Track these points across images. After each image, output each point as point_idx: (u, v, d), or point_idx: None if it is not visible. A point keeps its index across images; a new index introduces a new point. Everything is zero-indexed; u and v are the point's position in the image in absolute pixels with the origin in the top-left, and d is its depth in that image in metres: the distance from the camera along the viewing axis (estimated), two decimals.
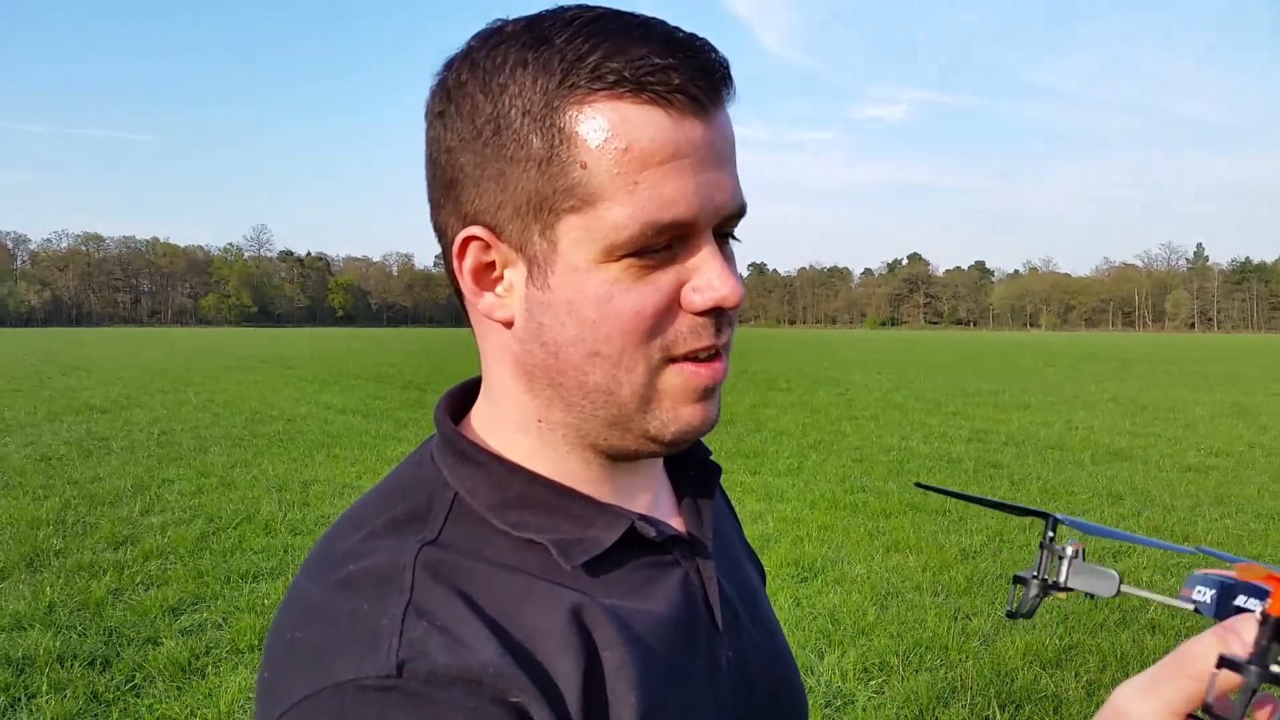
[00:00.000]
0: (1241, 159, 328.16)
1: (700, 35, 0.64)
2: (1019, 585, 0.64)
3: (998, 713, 3.82)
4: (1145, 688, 0.56)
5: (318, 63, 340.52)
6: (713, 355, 0.66)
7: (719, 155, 0.64)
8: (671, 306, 0.63)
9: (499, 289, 0.67)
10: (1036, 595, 0.62)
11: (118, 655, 4.40)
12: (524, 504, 0.67)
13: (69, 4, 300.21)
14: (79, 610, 4.99)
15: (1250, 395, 18.75)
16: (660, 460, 0.77)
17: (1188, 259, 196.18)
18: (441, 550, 0.63)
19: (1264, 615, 0.53)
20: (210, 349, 42.22)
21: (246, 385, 19.88)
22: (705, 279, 0.63)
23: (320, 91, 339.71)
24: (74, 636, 4.59)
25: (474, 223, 0.65)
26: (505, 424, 0.71)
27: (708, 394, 0.67)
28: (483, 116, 0.63)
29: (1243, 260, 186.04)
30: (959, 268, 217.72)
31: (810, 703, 3.85)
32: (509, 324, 0.67)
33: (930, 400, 17.19)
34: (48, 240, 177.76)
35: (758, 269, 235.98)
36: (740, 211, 0.66)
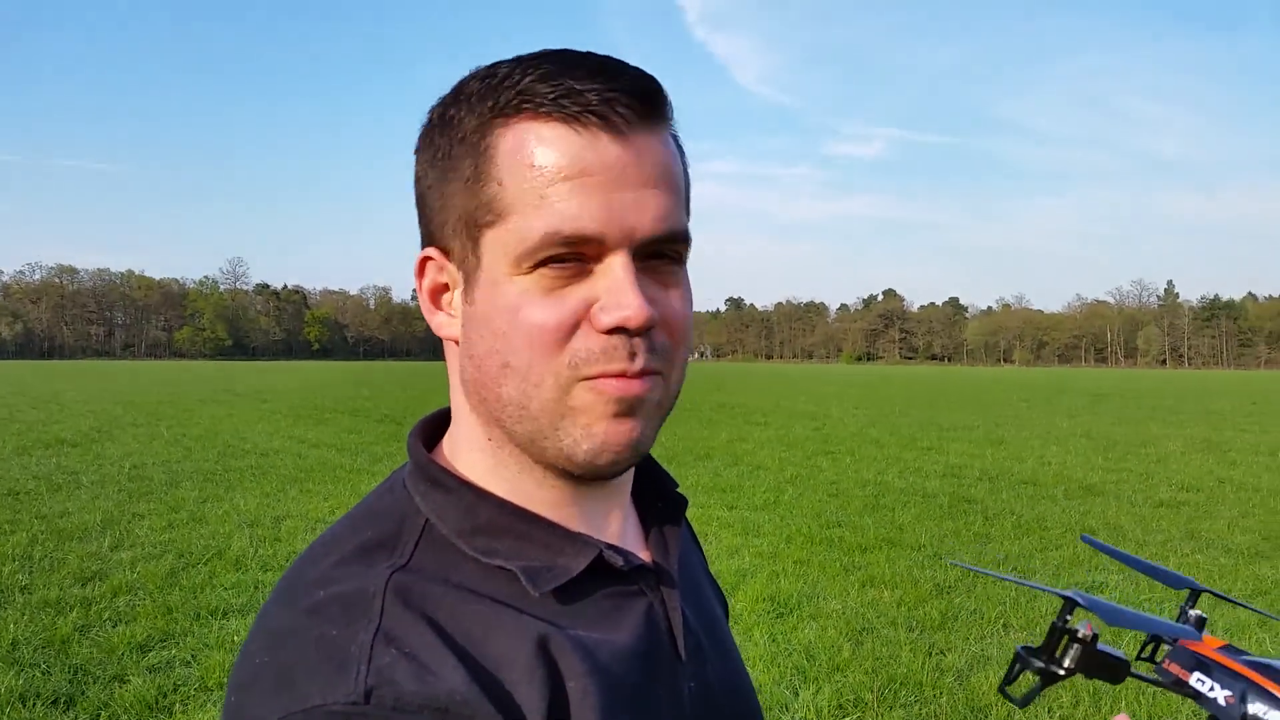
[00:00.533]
0: (1211, 197, 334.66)
1: (642, 69, 0.67)
2: (1019, 665, 0.61)
3: None
4: None
5: (295, 94, 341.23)
6: (643, 378, 0.66)
7: (641, 177, 0.65)
8: (580, 323, 0.64)
9: (450, 308, 0.70)
10: (1040, 684, 0.59)
11: (83, 693, 4.32)
12: (493, 530, 0.68)
13: (41, 32, 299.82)
14: (43, 648, 4.90)
15: (1220, 431, 18.97)
16: (627, 490, 0.78)
17: (1159, 296, 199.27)
18: (412, 576, 0.64)
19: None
20: (184, 382, 41.82)
21: (220, 419, 19.69)
22: (611, 297, 0.63)
23: (298, 123, 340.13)
24: (37, 675, 4.50)
25: (430, 244, 0.70)
26: (464, 444, 0.72)
27: (625, 409, 0.66)
28: (439, 147, 0.67)
29: (1212, 297, 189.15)
30: (934, 303, 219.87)
31: None
32: (456, 341, 0.70)
33: (905, 435, 17.27)
34: (20, 272, 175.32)
35: (735, 303, 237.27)
36: (671, 235, 0.66)
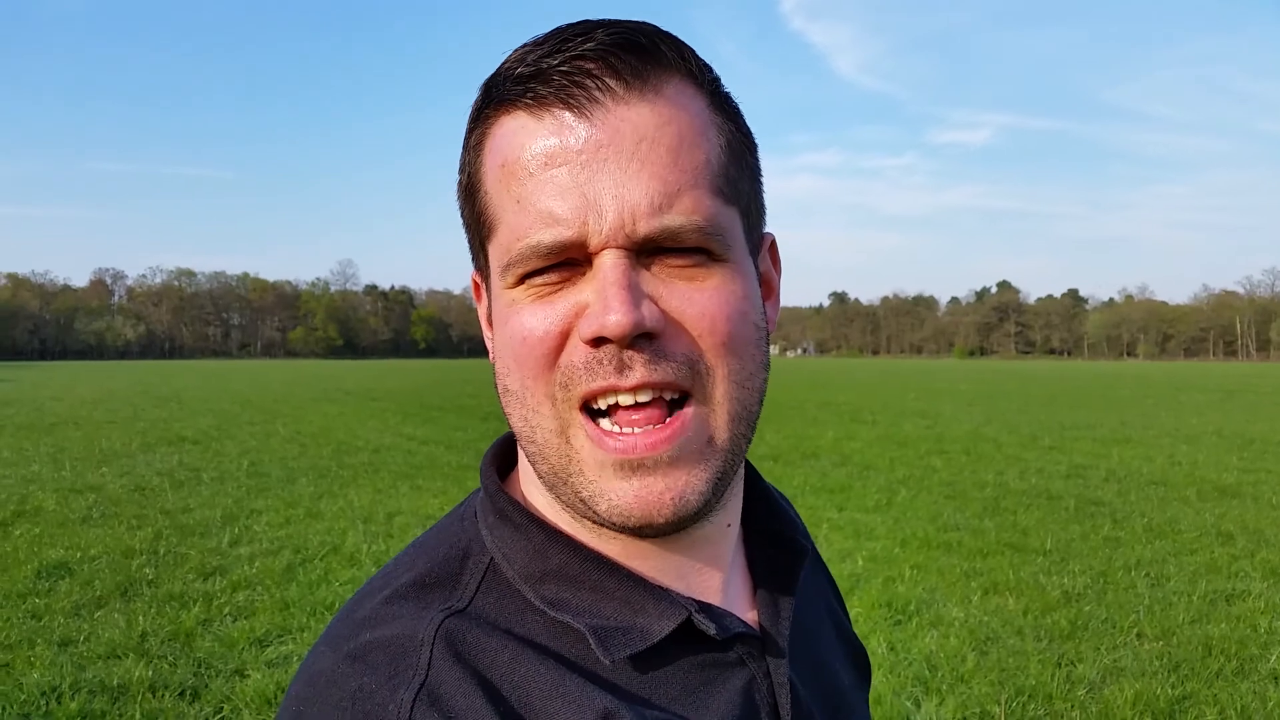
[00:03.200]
0: None
1: (632, 21, 0.55)
2: None
3: None
4: None
5: (400, 98, 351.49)
6: (648, 429, 0.54)
7: (624, 156, 0.53)
8: (567, 334, 0.55)
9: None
10: None
11: (206, 686, 4.43)
12: (564, 578, 0.58)
13: (143, 44, 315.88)
14: (170, 640, 5.06)
15: None
16: (729, 536, 0.65)
17: None
18: (468, 622, 0.56)
19: None
20: (297, 381, 43.47)
21: (332, 417, 20.32)
22: (595, 301, 0.54)
23: (403, 126, 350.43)
24: (165, 666, 4.65)
25: (475, 267, 0.65)
26: (531, 480, 0.64)
27: (631, 469, 0.54)
28: (461, 163, 0.62)
29: None
30: (1051, 296, 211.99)
31: None
32: None
33: (1025, 434, 16.61)
34: (143, 276, 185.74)
35: (838, 298, 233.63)
36: (679, 224, 0.54)
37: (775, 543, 0.69)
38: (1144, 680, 4.42)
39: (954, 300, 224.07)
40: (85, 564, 6.64)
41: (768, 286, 0.65)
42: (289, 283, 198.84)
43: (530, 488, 0.63)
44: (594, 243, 0.54)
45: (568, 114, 0.54)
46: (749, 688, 0.60)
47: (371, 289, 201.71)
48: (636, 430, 0.54)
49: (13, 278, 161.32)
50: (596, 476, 0.55)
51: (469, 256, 0.65)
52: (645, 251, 0.55)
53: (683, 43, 0.57)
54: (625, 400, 0.54)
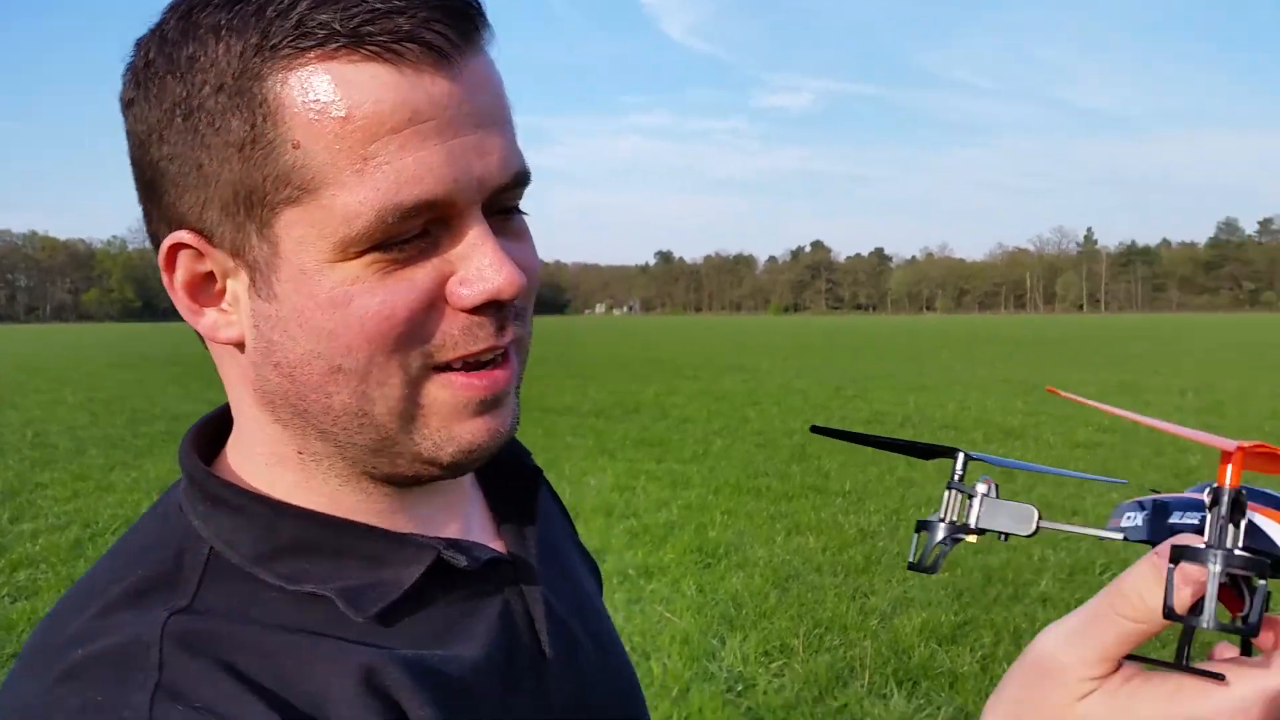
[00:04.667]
0: (1129, 147, 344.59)
1: None
2: (923, 533, 0.57)
3: (895, 690, 3.85)
4: (1075, 632, 0.49)
5: None
6: (494, 361, 0.56)
7: (478, 113, 0.53)
8: (435, 305, 0.53)
9: (223, 304, 0.56)
10: (944, 541, 0.55)
11: None
12: (300, 549, 0.56)
13: None
14: None
15: (1136, 374, 19.62)
16: (468, 474, 0.65)
17: (1078, 243, 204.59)
18: (197, 618, 0.51)
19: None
20: (90, 345, 40.36)
21: (128, 384, 19.00)
22: (475, 268, 0.53)
23: None
24: None
25: (180, 227, 0.54)
26: (260, 460, 0.59)
27: (489, 405, 0.56)
28: (172, 99, 0.52)
29: (1129, 244, 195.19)
30: (859, 254, 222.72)
31: (711, 690, 3.84)
32: (240, 345, 0.56)
33: (831, 385, 17.49)
34: None
35: (664, 257, 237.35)
36: (519, 180, 0.55)
37: (507, 472, 0.70)
38: (930, 609, 4.78)
39: (771, 259, 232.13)
40: None
41: None
42: (82, 241, 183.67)
43: (249, 467, 0.59)
44: (462, 202, 0.52)
45: (429, 66, 0.51)
46: (506, 611, 0.61)
47: None
48: (497, 367, 0.56)
49: None
50: (447, 423, 0.55)
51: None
52: (492, 211, 0.55)
53: None
54: (490, 355, 0.56)
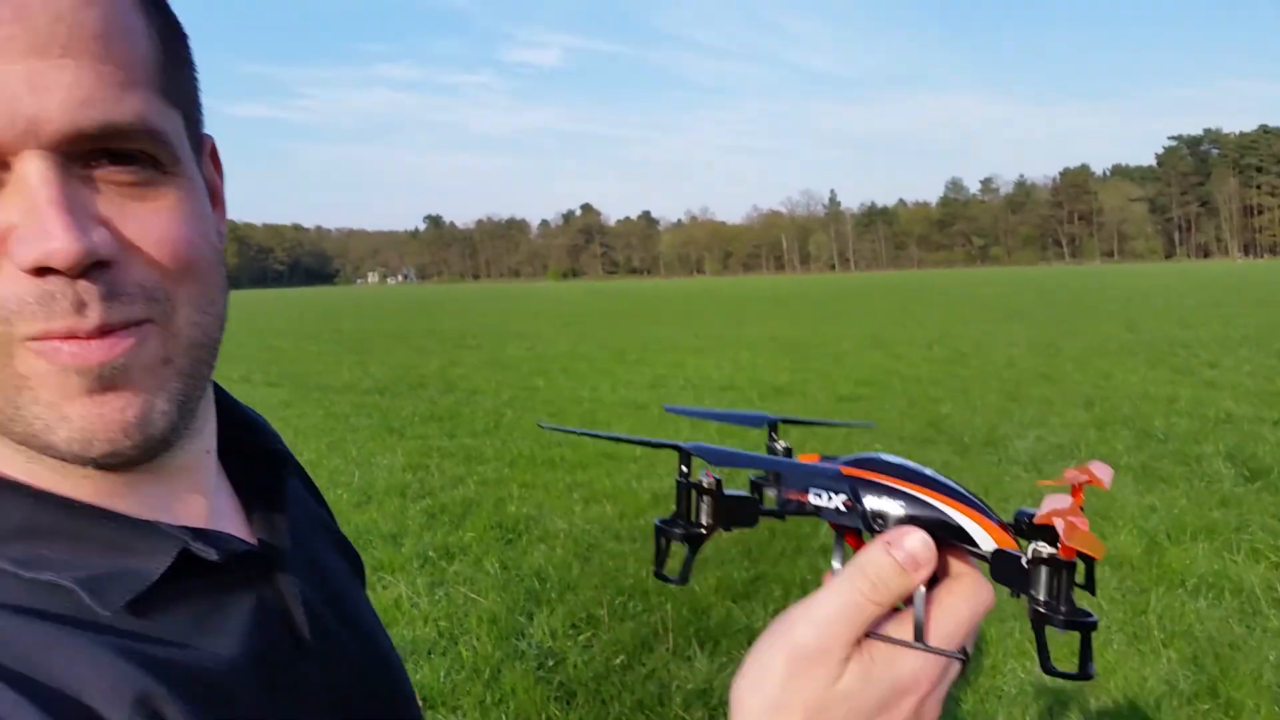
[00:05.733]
0: (859, 110, 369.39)
1: None
2: (664, 540, 0.55)
3: (698, 650, 4.06)
4: (833, 620, 0.50)
5: None
6: (121, 335, 0.49)
7: (36, 41, 0.45)
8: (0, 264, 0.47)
9: None
10: (690, 550, 0.54)
11: None
12: (33, 534, 0.51)
13: None
14: None
15: (885, 328, 21.27)
16: (207, 457, 0.63)
17: (824, 204, 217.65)
18: None
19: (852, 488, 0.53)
20: None
21: None
22: (28, 224, 0.46)
23: None
24: None
25: None
26: None
27: (104, 383, 0.49)
28: None
29: (870, 205, 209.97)
30: (628, 218, 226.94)
31: (523, 668, 3.89)
32: None
33: (614, 349, 17.83)
34: None
35: (434, 221, 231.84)
36: (114, 128, 0.47)
37: (256, 457, 0.68)
38: (724, 567, 5.04)
39: (544, 223, 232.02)
40: None
41: (215, 195, 0.60)
42: None
43: None
44: (9, 140, 0.45)
45: None
46: (260, 606, 0.59)
47: None
48: (116, 336, 0.49)
49: None
50: (54, 400, 0.48)
51: None
52: (79, 160, 0.47)
53: None
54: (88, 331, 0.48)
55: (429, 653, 4.11)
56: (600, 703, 3.64)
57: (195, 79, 0.57)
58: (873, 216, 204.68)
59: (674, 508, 0.56)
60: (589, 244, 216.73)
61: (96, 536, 0.52)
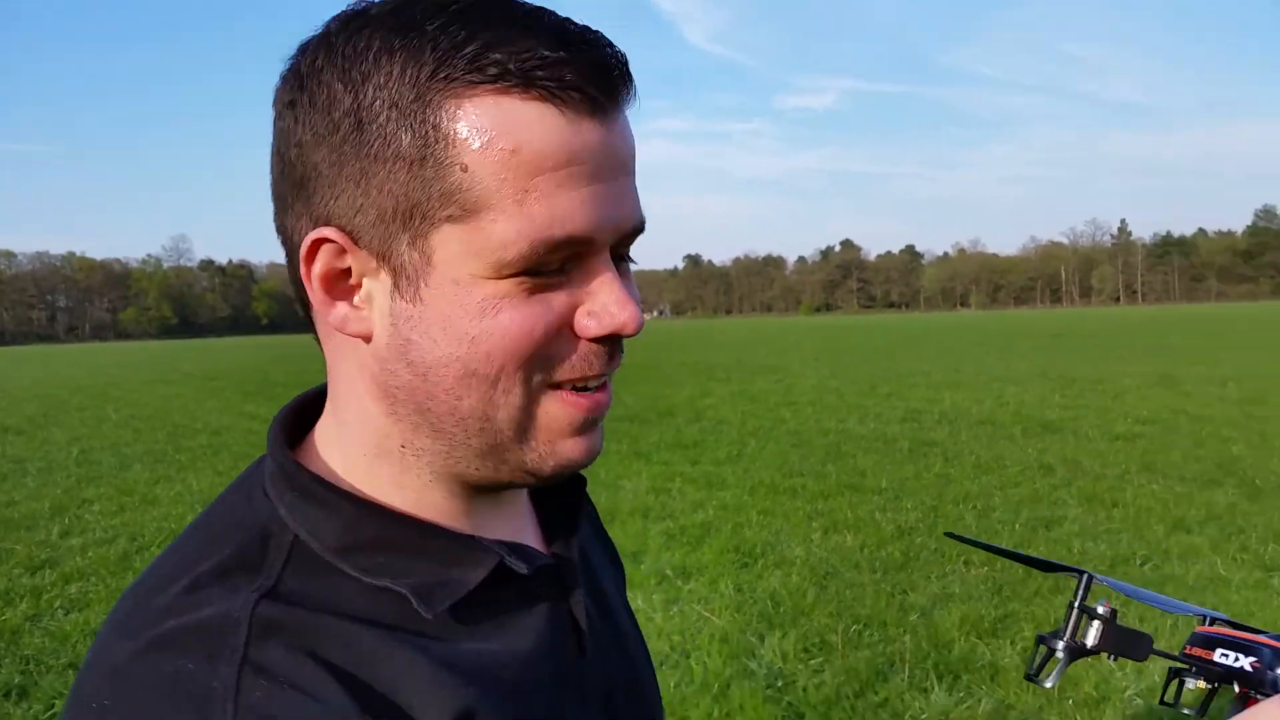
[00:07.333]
0: (1161, 137, 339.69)
1: (593, 28, 0.58)
2: (1042, 647, 0.61)
3: (935, 684, 3.84)
4: None
5: (226, 57, 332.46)
6: (598, 385, 0.62)
7: (619, 163, 0.58)
8: (563, 330, 0.58)
9: (355, 299, 0.59)
10: (1064, 662, 0.59)
11: (35, 684, 4.20)
12: (380, 546, 0.60)
13: None
14: None
15: (1175, 365, 19.30)
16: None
17: (1112, 235, 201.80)
18: (280, 601, 0.55)
19: None
20: (130, 363, 41.01)
21: (169, 399, 19.30)
22: (602, 303, 0.58)
23: (233, 88, 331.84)
24: None
25: (326, 224, 0.57)
26: (359, 449, 0.63)
27: (589, 426, 0.62)
28: (341, 108, 0.55)
29: (1164, 235, 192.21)
30: (890, 252, 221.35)
31: (751, 686, 3.85)
32: (367, 339, 0.59)
33: (865, 383, 17.38)
34: None
35: (692, 260, 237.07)
36: (640, 228, 0.61)
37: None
38: (970, 603, 4.76)
39: (801, 259, 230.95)
40: None
41: None
42: (119, 260, 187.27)
43: (346, 457, 0.63)
44: (599, 242, 0.57)
45: (588, 116, 0.55)
46: (552, 613, 0.66)
47: (208, 264, 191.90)
48: (599, 391, 0.62)
49: None
50: (553, 438, 0.60)
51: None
52: (615, 254, 0.61)
53: None
54: (596, 382, 0.61)
55: (661, 665, 4.16)
56: None
57: None
58: (1168, 246, 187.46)
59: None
60: (845, 279, 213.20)
61: (431, 550, 0.61)
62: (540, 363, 0.58)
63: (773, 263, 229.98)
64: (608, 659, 0.70)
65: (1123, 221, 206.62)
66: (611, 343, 0.60)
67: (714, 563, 5.67)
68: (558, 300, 0.57)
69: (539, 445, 0.60)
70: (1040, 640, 0.60)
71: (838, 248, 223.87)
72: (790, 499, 7.41)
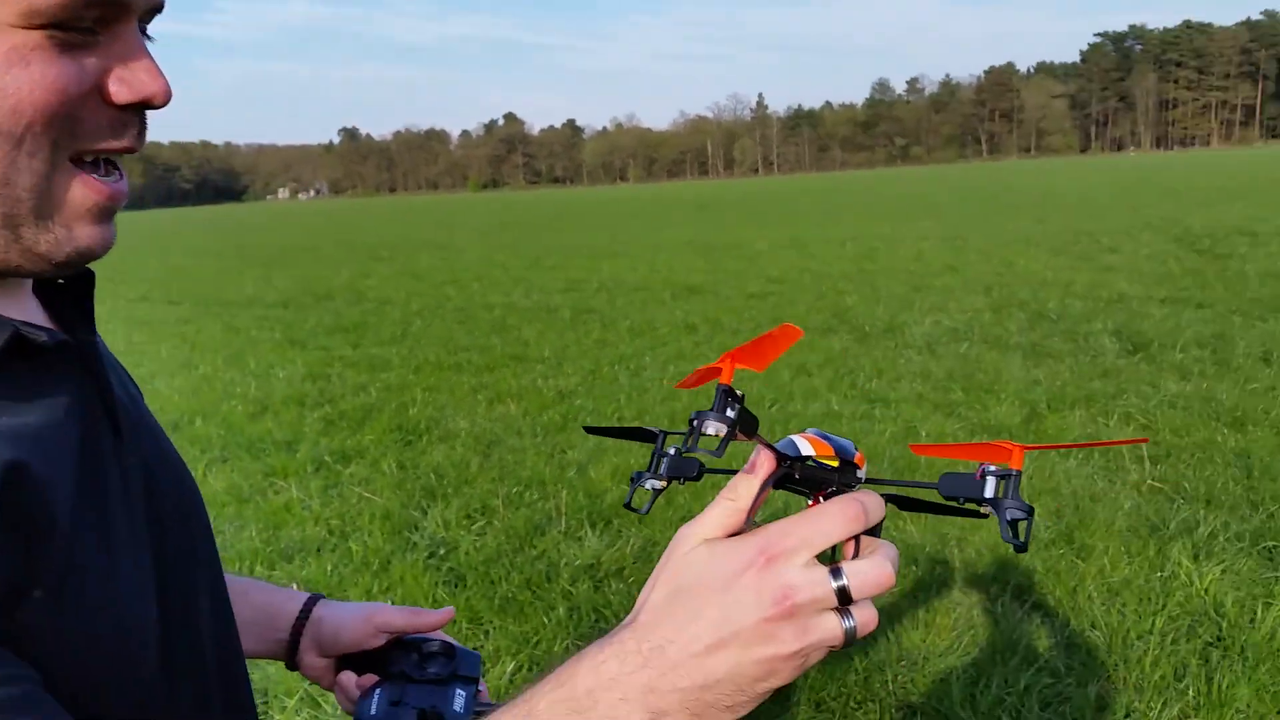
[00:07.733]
0: (790, 12, 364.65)
1: None
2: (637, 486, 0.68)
3: (589, 531, 4.12)
4: (709, 519, 0.59)
5: None
6: (118, 176, 0.61)
7: None
8: (93, 94, 0.56)
9: None
10: (653, 495, 0.66)
11: None
12: None
13: None
14: None
15: (803, 229, 21.41)
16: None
17: (751, 109, 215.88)
18: None
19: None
20: None
21: None
22: (133, 70, 0.57)
23: None
24: None
25: None
26: None
27: (106, 215, 0.61)
28: None
29: (796, 108, 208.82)
30: (553, 127, 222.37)
31: (413, 558, 3.91)
32: None
33: (530, 257, 17.67)
34: None
35: (349, 134, 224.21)
36: (160, 6, 0.61)
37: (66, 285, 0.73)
38: (621, 454, 5.10)
39: (465, 134, 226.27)
40: None
41: None
42: None
43: None
44: (133, 8, 0.57)
45: None
46: (81, 390, 0.63)
47: None
48: (119, 180, 0.61)
49: None
50: (71, 222, 0.58)
51: None
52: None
53: None
54: (122, 154, 0.60)
55: (318, 550, 4.10)
56: (489, 583, 3.69)
57: None
58: (799, 120, 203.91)
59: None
60: (510, 154, 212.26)
61: None
62: (68, 124, 0.56)
63: (436, 136, 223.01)
64: (142, 441, 0.70)
65: (760, 96, 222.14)
66: (140, 115, 0.60)
67: (376, 444, 5.61)
68: (90, 63, 0.56)
69: (55, 227, 0.58)
70: (634, 479, 0.67)
71: (501, 121, 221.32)
72: (455, 374, 7.46)
